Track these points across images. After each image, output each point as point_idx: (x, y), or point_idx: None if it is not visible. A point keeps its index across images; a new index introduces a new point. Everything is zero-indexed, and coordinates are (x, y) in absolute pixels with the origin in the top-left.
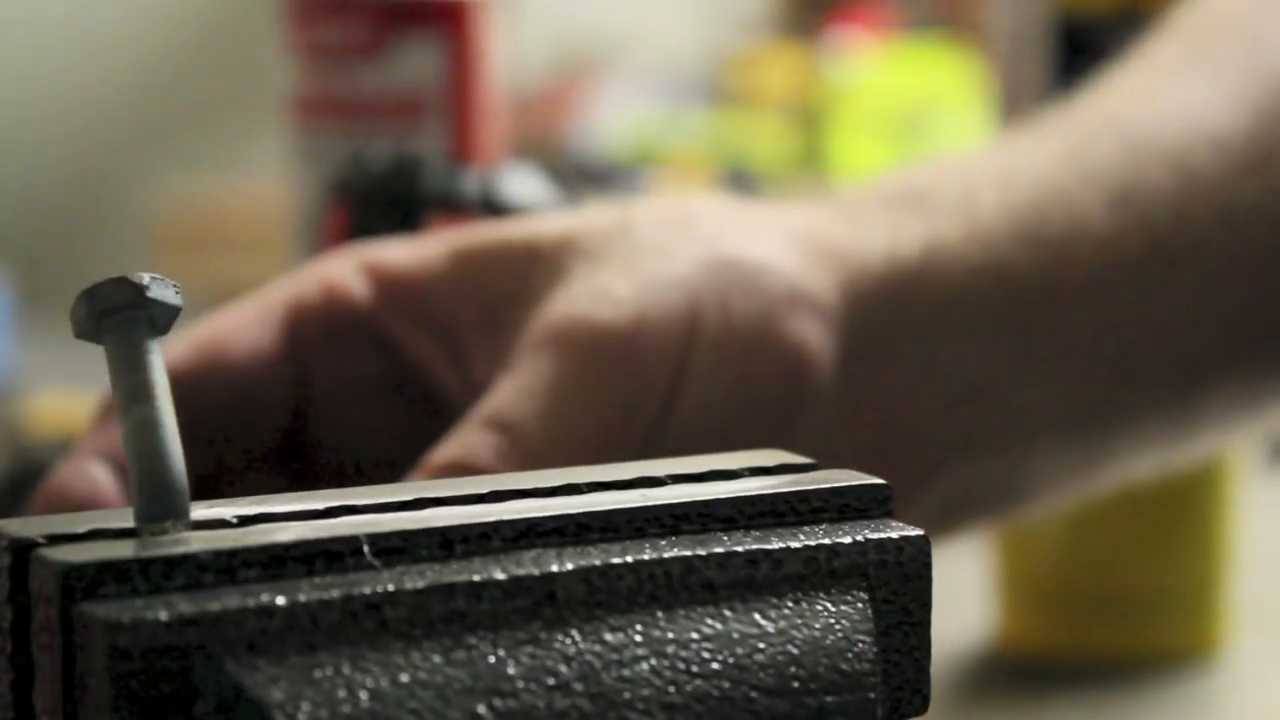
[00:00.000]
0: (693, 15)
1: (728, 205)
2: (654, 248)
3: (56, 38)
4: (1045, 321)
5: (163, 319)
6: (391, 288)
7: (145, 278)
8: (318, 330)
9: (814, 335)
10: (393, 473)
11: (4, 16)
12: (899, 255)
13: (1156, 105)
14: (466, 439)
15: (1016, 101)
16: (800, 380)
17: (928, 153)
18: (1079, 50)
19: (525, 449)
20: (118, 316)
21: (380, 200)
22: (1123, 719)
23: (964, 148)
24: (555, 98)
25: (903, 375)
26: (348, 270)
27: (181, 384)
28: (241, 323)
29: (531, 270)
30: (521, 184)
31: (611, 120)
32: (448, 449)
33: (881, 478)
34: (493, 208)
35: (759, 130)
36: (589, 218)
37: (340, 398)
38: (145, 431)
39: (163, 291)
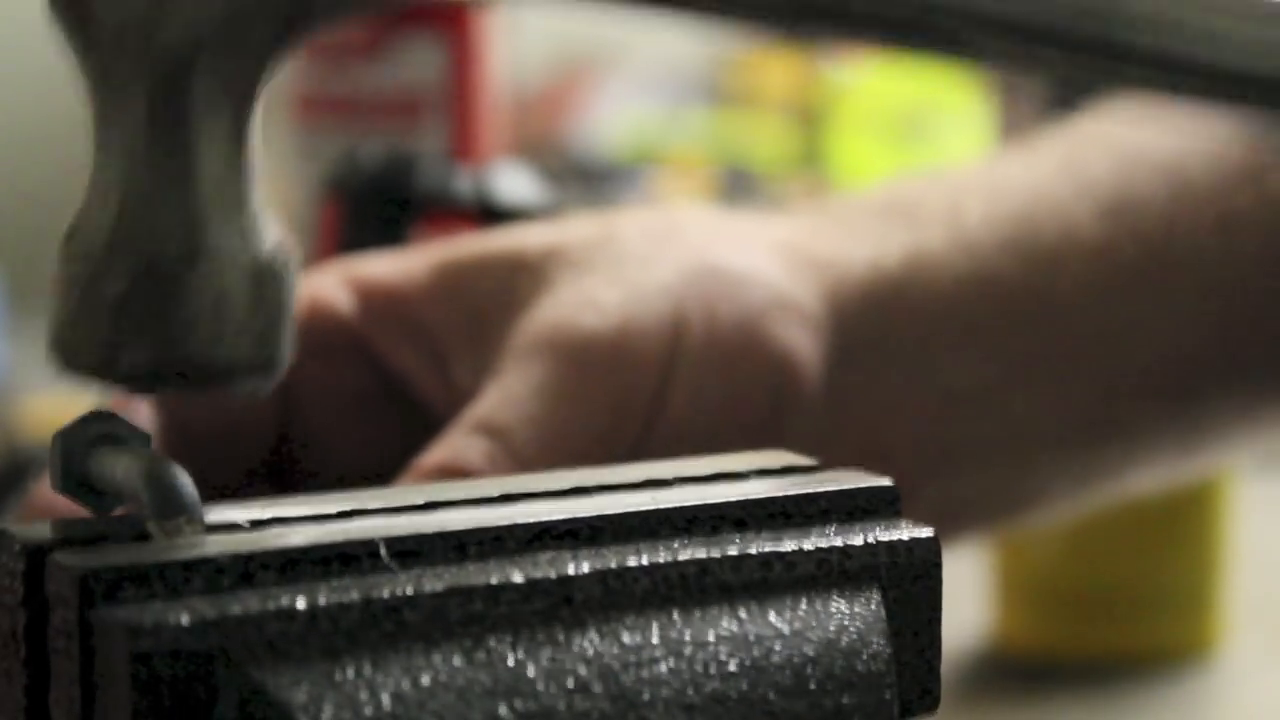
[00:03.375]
0: None
1: (712, 215)
2: (639, 257)
3: (54, 35)
4: (1035, 331)
5: (133, 438)
6: (376, 301)
7: (106, 408)
8: (303, 344)
9: (799, 341)
10: (379, 484)
11: (2, 15)
12: (883, 265)
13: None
14: (456, 442)
15: (1016, 103)
16: (786, 386)
17: (928, 153)
18: None
19: (513, 453)
20: (92, 446)
21: (373, 198)
22: (1120, 717)
23: (963, 149)
24: (555, 98)
25: (889, 383)
26: (332, 284)
27: (169, 399)
28: None
29: (516, 280)
30: (514, 182)
31: (611, 120)
32: (437, 452)
33: None
34: (485, 206)
35: (759, 131)
36: (573, 228)
37: (326, 410)
38: (139, 448)
39: (127, 420)
